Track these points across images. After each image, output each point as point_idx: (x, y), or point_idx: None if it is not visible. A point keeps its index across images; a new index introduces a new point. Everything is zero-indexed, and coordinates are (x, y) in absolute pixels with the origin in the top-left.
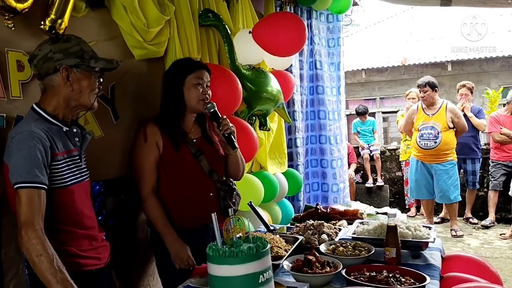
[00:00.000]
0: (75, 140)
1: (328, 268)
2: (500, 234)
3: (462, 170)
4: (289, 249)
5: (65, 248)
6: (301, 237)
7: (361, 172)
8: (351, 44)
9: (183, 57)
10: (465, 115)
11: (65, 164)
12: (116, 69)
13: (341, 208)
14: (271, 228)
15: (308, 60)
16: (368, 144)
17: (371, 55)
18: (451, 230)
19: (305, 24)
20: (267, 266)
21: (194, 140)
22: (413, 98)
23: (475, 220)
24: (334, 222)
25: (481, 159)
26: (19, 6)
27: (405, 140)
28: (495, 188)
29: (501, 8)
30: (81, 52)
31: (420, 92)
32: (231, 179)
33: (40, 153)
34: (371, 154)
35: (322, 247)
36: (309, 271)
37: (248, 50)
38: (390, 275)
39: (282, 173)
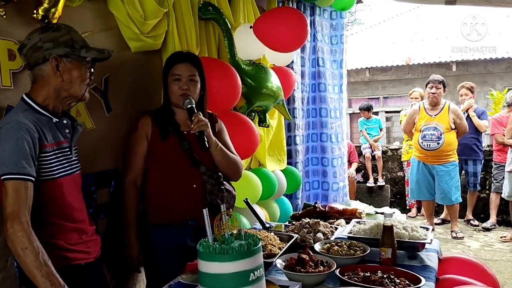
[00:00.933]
0: (65, 132)
1: (322, 267)
2: (501, 237)
3: (463, 172)
4: (283, 247)
5: (53, 241)
6: (295, 235)
7: (362, 171)
8: (356, 43)
9: (181, 50)
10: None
11: (54, 156)
12: (111, 61)
13: (339, 207)
14: (267, 225)
15: (311, 57)
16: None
17: (376, 53)
18: (451, 231)
19: (308, 20)
20: (258, 264)
21: (185, 132)
22: (416, 98)
23: (476, 222)
24: (332, 220)
25: (482, 161)
26: None
27: (407, 140)
28: (497, 191)
29: (506, 8)
30: (71, 41)
31: (432, 88)
32: (220, 174)
33: (27, 144)
34: (372, 154)
35: (317, 246)
36: (302, 270)
37: (248, 45)
38: (385, 276)
39: (281, 171)
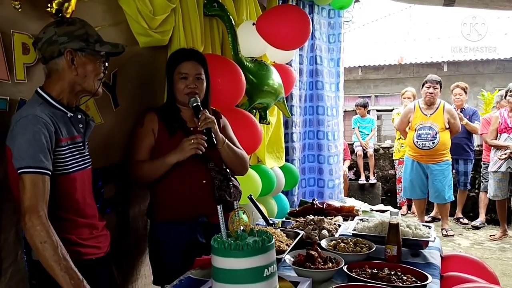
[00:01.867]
0: (79, 127)
1: (330, 263)
2: (490, 235)
3: (454, 171)
4: (290, 244)
5: (66, 236)
6: (302, 232)
7: (354, 169)
8: (348, 41)
9: (186, 46)
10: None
11: (68, 151)
12: (120, 56)
13: (337, 204)
14: (270, 222)
15: (309, 55)
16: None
17: (368, 52)
18: (442, 229)
19: None
20: (272, 260)
21: (191, 129)
22: (408, 98)
23: (466, 221)
24: (330, 218)
25: (473, 160)
26: None
27: (399, 139)
28: (486, 190)
29: (503, 10)
30: (86, 35)
31: (430, 87)
32: (227, 170)
33: (45, 138)
34: (364, 152)
35: (323, 243)
36: (312, 266)
37: (251, 42)
38: (392, 272)
39: (279, 168)
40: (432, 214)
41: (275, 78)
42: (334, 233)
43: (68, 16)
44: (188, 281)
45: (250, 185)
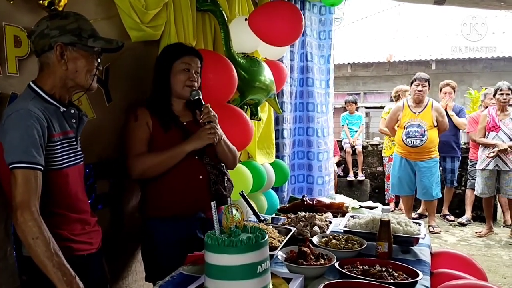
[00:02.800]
0: (72, 122)
1: (322, 260)
2: (476, 232)
3: (441, 168)
4: (282, 240)
5: (58, 231)
6: (293, 229)
7: (343, 165)
8: (337, 38)
9: (177, 41)
10: (447, 113)
11: (60, 146)
12: (117, 52)
13: (326, 200)
14: (262, 218)
15: (299, 52)
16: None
17: (357, 49)
18: (428, 226)
19: None
20: (265, 257)
21: (185, 123)
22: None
23: (452, 217)
24: (320, 214)
25: (460, 158)
26: None
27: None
28: (473, 187)
29: (493, 10)
30: (79, 30)
31: (419, 85)
32: (222, 164)
33: (37, 133)
34: (353, 148)
35: (315, 239)
36: (304, 263)
37: (243, 38)
38: (383, 269)
39: (270, 164)
40: (419, 211)
41: (267, 75)
42: (326, 230)
43: (60, 9)
44: (180, 277)
45: (241, 181)
